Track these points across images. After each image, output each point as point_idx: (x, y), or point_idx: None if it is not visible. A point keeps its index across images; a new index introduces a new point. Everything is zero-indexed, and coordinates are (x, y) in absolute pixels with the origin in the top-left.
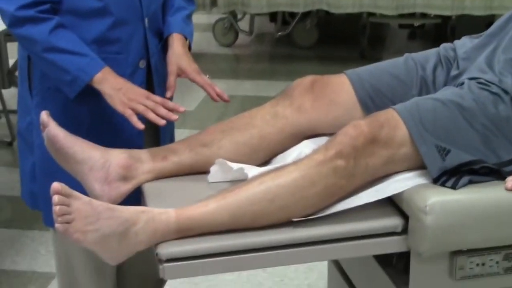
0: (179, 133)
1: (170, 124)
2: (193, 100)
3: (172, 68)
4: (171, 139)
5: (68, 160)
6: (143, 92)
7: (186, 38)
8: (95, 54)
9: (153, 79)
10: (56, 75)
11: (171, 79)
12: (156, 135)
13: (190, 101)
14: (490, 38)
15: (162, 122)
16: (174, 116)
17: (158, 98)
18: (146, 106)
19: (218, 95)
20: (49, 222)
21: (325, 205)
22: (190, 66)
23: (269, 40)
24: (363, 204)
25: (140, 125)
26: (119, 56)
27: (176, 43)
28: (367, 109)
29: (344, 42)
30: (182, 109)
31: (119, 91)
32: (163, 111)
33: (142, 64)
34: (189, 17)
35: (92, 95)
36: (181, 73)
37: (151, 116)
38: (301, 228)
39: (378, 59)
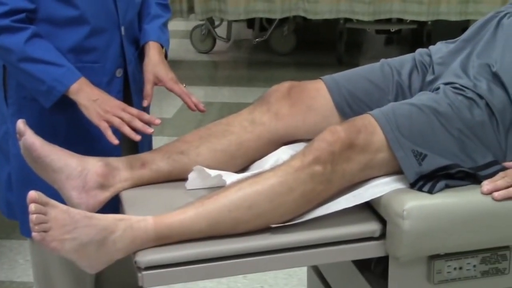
0: (157, 141)
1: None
2: (171, 107)
3: (148, 76)
4: (149, 147)
5: (45, 169)
6: (119, 103)
7: (162, 46)
8: (71, 63)
9: (130, 88)
10: (31, 85)
11: (148, 87)
12: (135, 143)
13: (168, 109)
14: (465, 43)
15: (137, 137)
16: (149, 130)
17: (134, 111)
18: (122, 118)
19: (194, 105)
20: (26, 231)
21: (303, 211)
22: (167, 75)
23: (247, 47)
24: (341, 210)
25: (114, 140)
26: (95, 65)
27: (153, 52)
28: (344, 115)
29: (321, 48)
30: (157, 121)
31: (95, 102)
32: (138, 124)
33: (119, 73)
34: (165, 24)
35: (68, 104)
36: (157, 82)
37: (126, 131)
38: (280, 234)
39: (355, 64)
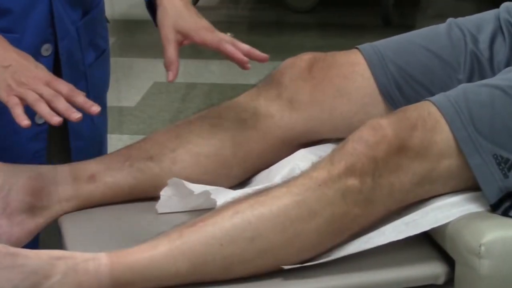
0: (114, 141)
1: (98, 127)
2: (133, 91)
3: (167, 34)
4: (100, 149)
5: None
6: (43, 75)
7: None
8: None
9: (62, 74)
10: None
11: (170, 51)
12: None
13: (130, 93)
14: None
15: (54, 120)
16: (74, 114)
17: (64, 87)
18: (41, 94)
19: (250, 56)
20: None
21: (331, 246)
22: (195, 23)
23: (248, 1)
24: (388, 244)
25: (24, 121)
26: (8, 35)
27: None
28: (392, 102)
29: (358, 2)
30: (95, 109)
31: (6, 70)
32: (61, 105)
33: (47, 50)
34: None
35: None
36: (184, 38)
37: (41, 109)
38: (296, 280)
39: (409, 27)
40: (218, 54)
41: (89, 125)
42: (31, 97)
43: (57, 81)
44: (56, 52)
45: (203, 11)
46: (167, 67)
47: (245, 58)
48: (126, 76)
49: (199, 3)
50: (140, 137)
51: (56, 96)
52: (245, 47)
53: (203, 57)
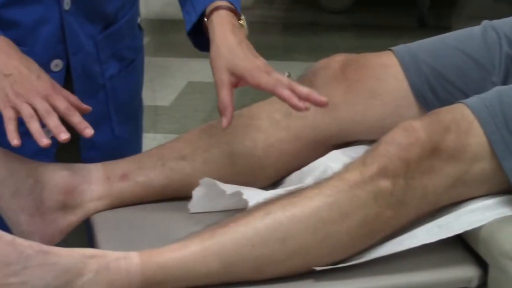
0: (148, 140)
1: (119, 137)
2: (168, 90)
3: (221, 77)
4: (136, 148)
5: None
6: (42, 87)
7: (233, 8)
8: None
9: (74, 88)
10: None
11: (224, 94)
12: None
13: (164, 92)
14: None
15: (42, 141)
16: (62, 134)
17: (61, 103)
18: (36, 109)
19: (309, 100)
20: None
21: (363, 248)
22: (250, 64)
23: (282, 1)
24: (420, 246)
25: (14, 140)
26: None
27: (220, 28)
28: (426, 104)
29: (394, 4)
30: (89, 132)
31: (6, 79)
32: (51, 123)
33: (57, 66)
34: None
35: None
36: (238, 80)
37: (32, 127)
38: (327, 281)
39: (444, 28)
40: None
41: (107, 135)
42: (25, 111)
43: (56, 95)
44: (68, 67)
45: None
46: (221, 112)
47: (300, 104)
48: (161, 76)
49: None
50: (174, 136)
51: (49, 112)
52: (303, 91)
53: None
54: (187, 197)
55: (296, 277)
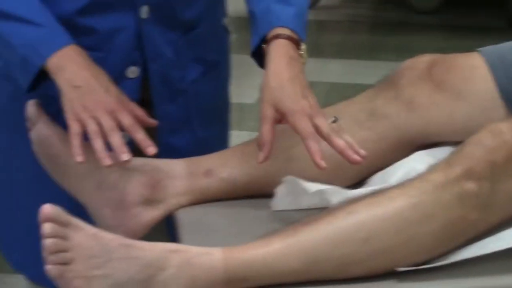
0: (233, 137)
1: (202, 143)
2: (253, 88)
3: (265, 111)
4: (221, 144)
5: (66, 173)
6: (110, 101)
7: (296, 37)
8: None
9: (152, 95)
10: (3, 53)
11: (265, 130)
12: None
13: (248, 89)
14: None
15: (104, 161)
16: (124, 155)
17: (127, 120)
18: (101, 124)
19: (343, 155)
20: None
21: (447, 250)
22: (295, 104)
23: (371, 0)
24: (504, 251)
25: (78, 157)
26: (93, 53)
27: (275, 59)
28: None
29: (483, 4)
30: (151, 150)
31: (76, 90)
32: (115, 143)
33: (133, 73)
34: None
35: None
36: (280, 117)
37: (96, 145)
38: (411, 282)
39: None
40: (339, 52)
41: (188, 139)
42: (91, 127)
43: (122, 111)
44: (146, 72)
45: (326, 10)
46: (259, 147)
47: (322, 164)
48: (246, 73)
49: (322, 2)
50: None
51: (114, 130)
52: (340, 144)
53: (324, 56)
54: (270, 195)
55: (379, 277)
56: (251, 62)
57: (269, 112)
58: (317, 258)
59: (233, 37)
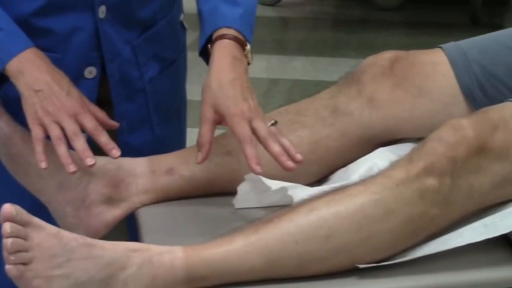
0: (194, 135)
1: (161, 140)
2: None
3: (205, 112)
4: (180, 143)
5: (27, 172)
6: (72, 105)
7: (241, 38)
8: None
9: (112, 93)
10: None
11: (204, 131)
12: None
13: None
14: None
15: (69, 168)
16: (89, 159)
17: (89, 122)
18: (64, 129)
19: (278, 161)
20: None
21: (407, 246)
22: (234, 107)
23: None
24: (465, 246)
25: (42, 163)
26: (50, 55)
27: (218, 60)
28: (475, 103)
29: (446, 1)
30: (116, 152)
31: (38, 95)
32: (79, 147)
33: (90, 73)
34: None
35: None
36: (219, 119)
37: (60, 151)
38: (370, 279)
39: (498, 26)
40: (302, 50)
41: (147, 137)
42: (54, 132)
43: (84, 114)
44: (104, 71)
45: (289, 7)
46: (198, 148)
47: (256, 168)
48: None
49: (285, 0)
50: (221, 131)
51: (77, 134)
52: (275, 149)
53: (287, 53)
54: (232, 193)
55: (339, 274)
56: None
57: (208, 114)
58: (278, 256)
59: (194, 35)
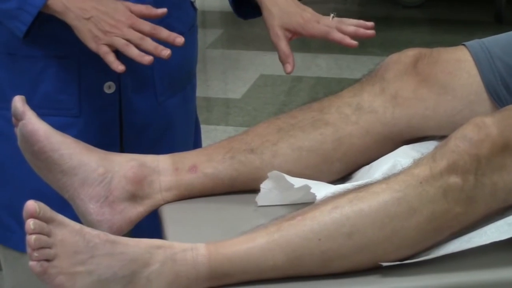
0: (219, 132)
1: (187, 113)
2: (239, 83)
3: (276, 33)
4: (196, 141)
5: (50, 169)
6: (124, 18)
7: None
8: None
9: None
10: None
11: (283, 46)
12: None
13: (234, 85)
14: None
15: (145, 59)
16: (164, 52)
17: (146, 26)
18: (128, 39)
19: (358, 36)
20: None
21: (431, 244)
22: (301, 18)
23: None
24: (488, 245)
25: (118, 66)
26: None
27: None
28: (499, 101)
29: None
30: (179, 40)
31: (89, 22)
32: (150, 46)
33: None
34: None
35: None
36: (292, 34)
37: (131, 53)
38: (394, 277)
39: None
40: (325, 47)
41: (150, 101)
42: (119, 43)
43: (138, 21)
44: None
45: (312, 5)
46: (283, 61)
47: (354, 42)
48: (233, 68)
49: None
50: (245, 129)
51: (142, 38)
52: (351, 30)
53: (311, 50)
54: (255, 190)
55: (362, 272)
56: (238, 58)
57: (280, 33)
58: (301, 253)
59: (220, 32)
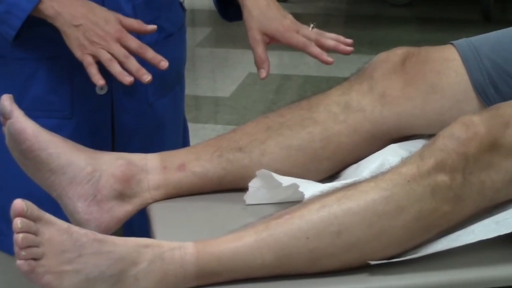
0: (207, 131)
1: (176, 111)
2: (228, 81)
3: (254, 36)
4: (184, 140)
5: (38, 167)
6: (113, 31)
7: None
8: None
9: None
10: None
11: (260, 51)
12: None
13: (225, 83)
14: None
15: (126, 79)
16: (145, 76)
17: (133, 43)
18: (114, 54)
19: (337, 51)
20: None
21: (418, 242)
22: (280, 24)
23: None
24: (477, 243)
25: (99, 80)
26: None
27: None
28: (487, 99)
29: None
30: (164, 64)
31: (78, 29)
32: (133, 67)
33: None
34: None
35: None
36: (270, 39)
37: (115, 70)
38: (382, 275)
39: (509, 22)
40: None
41: (141, 102)
42: (104, 56)
43: (126, 36)
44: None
45: (300, 3)
46: (258, 66)
47: (330, 60)
48: (222, 67)
49: None
50: (234, 127)
51: (127, 57)
52: (331, 44)
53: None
54: (244, 189)
55: (351, 271)
56: (226, 56)
57: (258, 37)
58: (290, 252)
59: (208, 31)
